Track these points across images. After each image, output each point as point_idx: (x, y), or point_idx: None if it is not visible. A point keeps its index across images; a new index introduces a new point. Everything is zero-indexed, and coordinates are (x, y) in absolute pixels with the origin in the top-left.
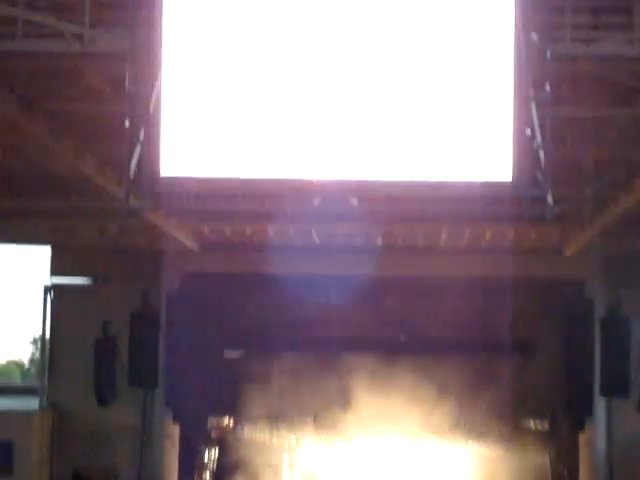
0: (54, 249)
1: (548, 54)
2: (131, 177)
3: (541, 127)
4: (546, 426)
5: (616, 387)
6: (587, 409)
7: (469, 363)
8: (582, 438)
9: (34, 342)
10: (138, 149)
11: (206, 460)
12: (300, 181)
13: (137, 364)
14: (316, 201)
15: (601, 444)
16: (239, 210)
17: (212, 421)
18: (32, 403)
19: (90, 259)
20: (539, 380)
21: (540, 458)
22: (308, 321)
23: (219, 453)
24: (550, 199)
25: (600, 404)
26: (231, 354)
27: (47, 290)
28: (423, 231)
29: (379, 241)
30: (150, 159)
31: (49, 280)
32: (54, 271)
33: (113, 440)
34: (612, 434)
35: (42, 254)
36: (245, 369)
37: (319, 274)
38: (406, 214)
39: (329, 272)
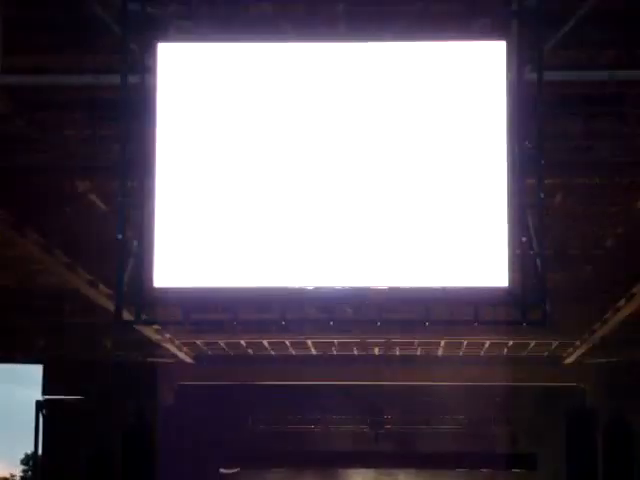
0: (46, 365)
1: (542, 162)
2: (124, 290)
3: (537, 234)
4: None
5: None
6: None
7: (472, 477)
8: None
9: (26, 460)
10: (131, 262)
11: None
12: (294, 289)
13: None
14: (311, 310)
15: None
16: (233, 320)
17: None
18: None
19: (83, 374)
20: None
21: None
22: (306, 434)
23: None
24: (548, 305)
25: None
26: (228, 470)
27: (39, 406)
28: (421, 341)
29: (376, 351)
30: (143, 272)
31: (41, 396)
32: (46, 387)
33: None
34: None
35: (34, 369)
36: None
37: (316, 385)
38: (403, 322)
39: (326, 383)
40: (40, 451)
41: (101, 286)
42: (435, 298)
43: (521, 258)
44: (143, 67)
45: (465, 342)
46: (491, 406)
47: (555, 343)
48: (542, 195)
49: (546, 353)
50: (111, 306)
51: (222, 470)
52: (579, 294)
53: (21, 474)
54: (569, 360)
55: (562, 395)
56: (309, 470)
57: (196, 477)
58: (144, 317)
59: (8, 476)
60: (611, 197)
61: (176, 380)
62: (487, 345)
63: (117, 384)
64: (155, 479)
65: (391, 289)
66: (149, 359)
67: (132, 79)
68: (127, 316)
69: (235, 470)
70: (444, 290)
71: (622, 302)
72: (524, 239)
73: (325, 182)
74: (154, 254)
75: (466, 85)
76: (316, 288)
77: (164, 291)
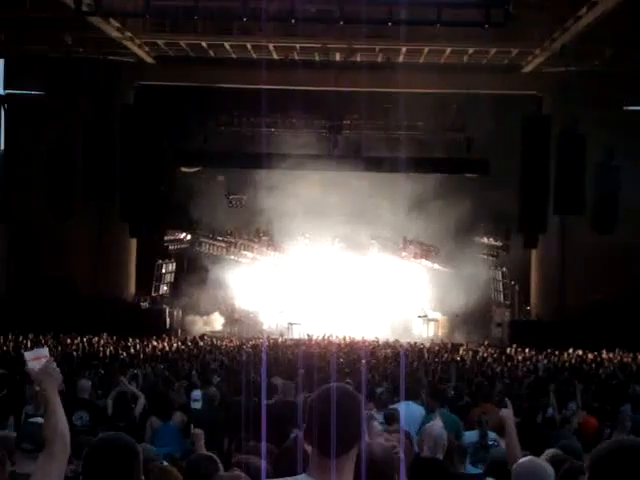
0: (8, 60)
1: None
2: None
3: None
4: (500, 243)
5: (570, 204)
6: (540, 226)
7: (426, 181)
8: (535, 254)
9: None
10: None
11: (163, 272)
12: None
13: (92, 178)
14: (273, 6)
15: (553, 259)
16: (194, 11)
17: (169, 235)
18: None
19: (44, 71)
20: (494, 198)
21: (493, 273)
22: (266, 137)
23: (176, 266)
24: (510, 7)
25: (554, 221)
26: (189, 169)
27: (1, 100)
28: (382, 47)
29: (337, 57)
30: None
31: (2, 91)
32: (8, 82)
33: (71, 253)
34: (565, 250)
35: None
36: (201, 184)
37: (277, 89)
38: (365, 21)
39: (287, 87)
40: (2, 145)
41: None
42: None
43: None
44: None
45: (426, 49)
46: (449, 113)
47: (515, 51)
48: None
49: (505, 61)
50: (71, 2)
51: (183, 169)
52: (541, 1)
53: None
54: (527, 69)
55: (519, 103)
56: (267, 171)
57: (156, 175)
58: (104, 8)
59: None
60: None
61: (137, 79)
62: (447, 52)
63: (78, 81)
64: (115, 177)
65: None
66: (110, 57)
67: None
68: (86, 9)
69: (196, 169)
70: None
71: (583, 10)
72: None
73: None
74: None
75: None
76: None
77: None
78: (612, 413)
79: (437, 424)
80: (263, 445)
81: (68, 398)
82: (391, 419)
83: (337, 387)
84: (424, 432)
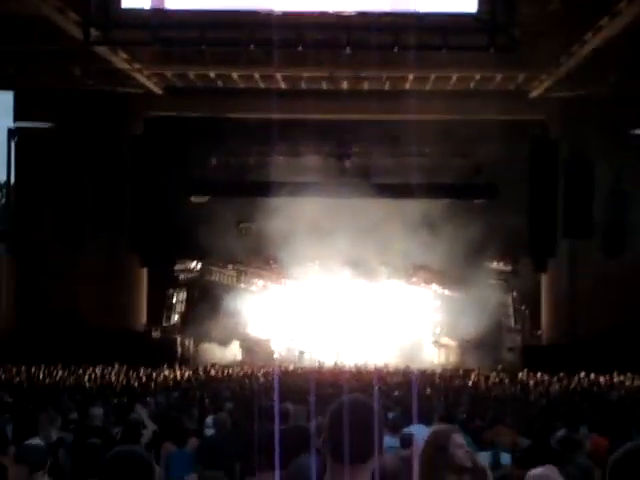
0: (17, 93)
1: None
2: (92, 13)
3: None
4: (509, 267)
5: (579, 228)
6: (550, 250)
7: (435, 207)
8: (545, 278)
9: None
10: None
11: (174, 302)
12: (263, 12)
13: (101, 209)
14: (280, 35)
15: (564, 284)
16: (201, 41)
17: (179, 265)
18: None
19: (53, 103)
20: (504, 222)
21: (503, 298)
22: (275, 166)
23: (187, 296)
24: (516, 31)
25: (563, 245)
26: (198, 199)
27: (11, 134)
28: (389, 75)
29: (345, 86)
30: None
31: (12, 124)
32: (18, 115)
33: (81, 284)
34: (575, 274)
35: (4, 98)
36: (212, 213)
37: (285, 118)
38: (372, 47)
39: (295, 116)
40: (13, 178)
41: (70, 13)
42: (405, 24)
43: None
44: None
45: (433, 76)
46: (457, 139)
47: (521, 76)
48: None
49: (512, 87)
50: (80, 34)
51: (192, 198)
52: (547, 27)
53: None
54: (534, 94)
55: (526, 128)
56: (274, 199)
57: (167, 205)
58: (111, 38)
59: None
60: None
61: (145, 110)
62: (454, 79)
63: (87, 113)
64: (126, 208)
65: (360, 14)
66: (119, 89)
67: None
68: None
69: (205, 199)
70: (414, 15)
71: (589, 35)
72: None
73: None
74: None
75: None
76: (284, 13)
77: (133, 12)
78: (623, 434)
79: None
80: (277, 472)
81: (81, 426)
82: (407, 443)
83: (354, 398)
84: None
